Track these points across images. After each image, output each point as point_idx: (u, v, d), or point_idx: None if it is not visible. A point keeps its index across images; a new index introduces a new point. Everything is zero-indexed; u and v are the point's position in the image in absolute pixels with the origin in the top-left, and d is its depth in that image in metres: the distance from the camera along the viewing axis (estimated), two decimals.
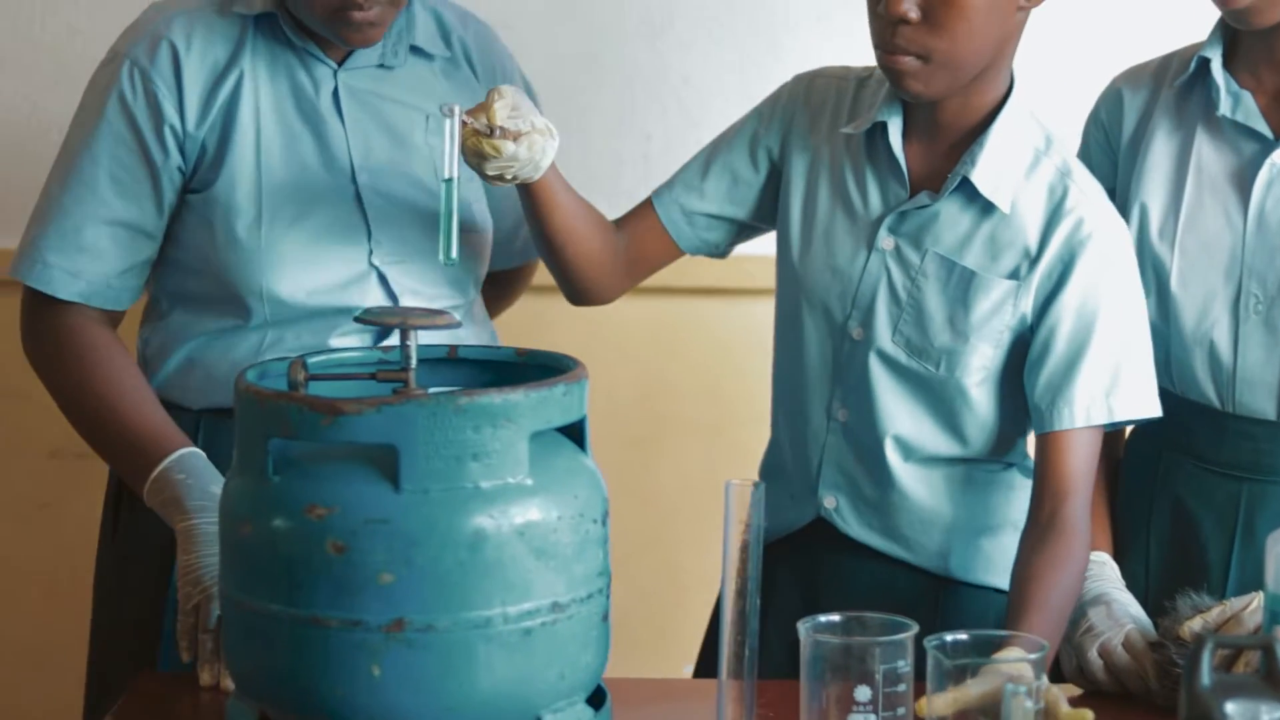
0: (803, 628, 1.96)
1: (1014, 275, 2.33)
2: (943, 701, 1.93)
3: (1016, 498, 2.42)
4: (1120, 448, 2.54)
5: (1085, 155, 2.54)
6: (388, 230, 2.43)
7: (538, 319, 2.87)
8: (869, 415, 2.38)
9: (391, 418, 1.87)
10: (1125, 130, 2.50)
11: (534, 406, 1.92)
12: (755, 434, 2.53)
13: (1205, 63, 2.42)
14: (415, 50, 2.51)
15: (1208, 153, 2.42)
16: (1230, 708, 1.79)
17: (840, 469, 2.41)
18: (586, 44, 3.22)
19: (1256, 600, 2.17)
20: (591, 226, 2.40)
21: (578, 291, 2.47)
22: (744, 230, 2.50)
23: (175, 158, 2.42)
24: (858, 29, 2.34)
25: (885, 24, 2.25)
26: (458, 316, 2.49)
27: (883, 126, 2.37)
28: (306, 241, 2.41)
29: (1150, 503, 2.48)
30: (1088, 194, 2.35)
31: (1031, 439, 2.38)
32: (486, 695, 1.90)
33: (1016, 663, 1.96)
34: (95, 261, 2.42)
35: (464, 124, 2.19)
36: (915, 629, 1.95)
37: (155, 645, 2.40)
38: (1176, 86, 2.46)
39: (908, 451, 2.38)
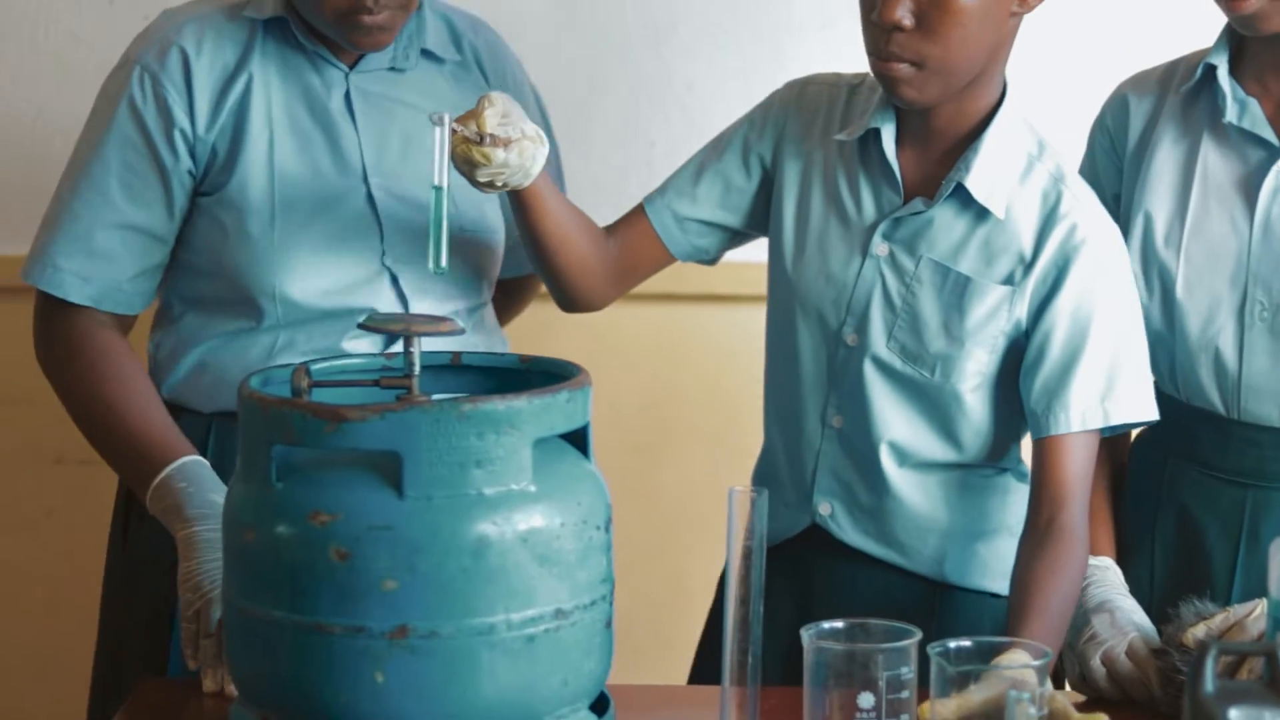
0: (806, 635, 1.96)
1: (1009, 281, 2.34)
2: (945, 708, 1.93)
3: (1012, 503, 2.42)
4: (1125, 453, 2.54)
5: (1090, 161, 2.54)
6: (400, 232, 2.43)
7: (541, 326, 2.87)
8: (864, 421, 2.38)
9: (395, 424, 1.87)
10: (1131, 136, 2.50)
11: (537, 413, 1.92)
12: (758, 441, 2.53)
13: (1211, 69, 2.42)
14: (426, 54, 2.52)
15: (1214, 160, 2.42)
16: (1234, 714, 1.78)
17: (835, 475, 2.41)
18: (590, 50, 3.22)
19: (1260, 607, 2.17)
20: (582, 233, 2.41)
21: (569, 298, 2.47)
22: (735, 237, 2.50)
23: (185, 161, 2.43)
24: (861, 36, 2.34)
25: (879, 31, 2.26)
26: (470, 319, 2.51)
27: (876, 133, 2.37)
28: (319, 242, 2.41)
29: (1155, 509, 2.48)
30: (1081, 199, 2.35)
31: (1027, 444, 2.38)
32: (490, 702, 1.90)
33: (1020, 669, 1.96)
34: (106, 265, 2.43)
35: (454, 131, 2.19)
36: (918, 635, 1.95)
37: (164, 652, 2.40)
38: (1182, 93, 2.46)
39: (903, 457, 2.39)
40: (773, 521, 2.39)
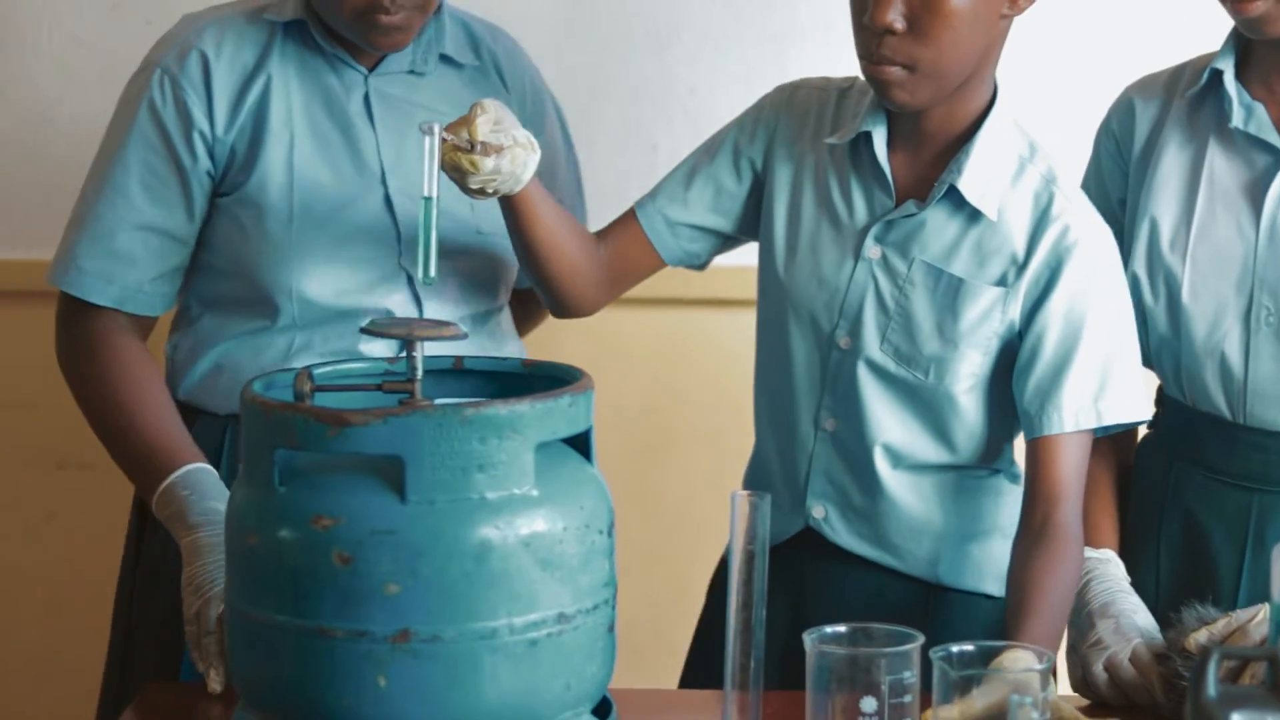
0: (808, 639, 1.96)
1: (1001, 282, 2.34)
2: (949, 715, 1.93)
3: (1005, 504, 2.43)
4: (1131, 451, 2.54)
5: (1096, 165, 2.54)
6: (411, 231, 2.44)
7: (543, 330, 2.87)
8: (858, 424, 2.38)
9: (397, 429, 1.87)
10: (1137, 141, 2.49)
11: (540, 417, 1.92)
12: None
13: (1218, 74, 2.41)
14: (445, 59, 2.53)
15: (1220, 165, 2.42)
16: (1236, 719, 1.79)
17: (829, 478, 2.42)
18: (593, 55, 3.22)
19: (1262, 612, 2.17)
20: (573, 238, 2.41)
21: (560, 303, 2.47)
22: (726, 241, 2.51)
23: (204, 162, 2.44)
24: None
25: (870, 34, 2.26)
26: (486, 323, 2.53)
27: (867, 136, 2.37)
28: (335, 242, 2.42)
29: (1161, 514, 2.48)
30: (1073, 200, 2.36)
31: (1019, 445, 2.39)
32: (492, 706, 1.90)
33: (1022, 674, 1.96)
34: (128, 267, 2.44)
35: (444, 140, 2.19)
36: (921, 639, 1.95)
37: (176, 660, 2.40)
38: (1188, 97, 2.46)
39: (897, 460, 2.39)
40: None
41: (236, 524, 1.97)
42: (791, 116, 2.45)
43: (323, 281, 2.43)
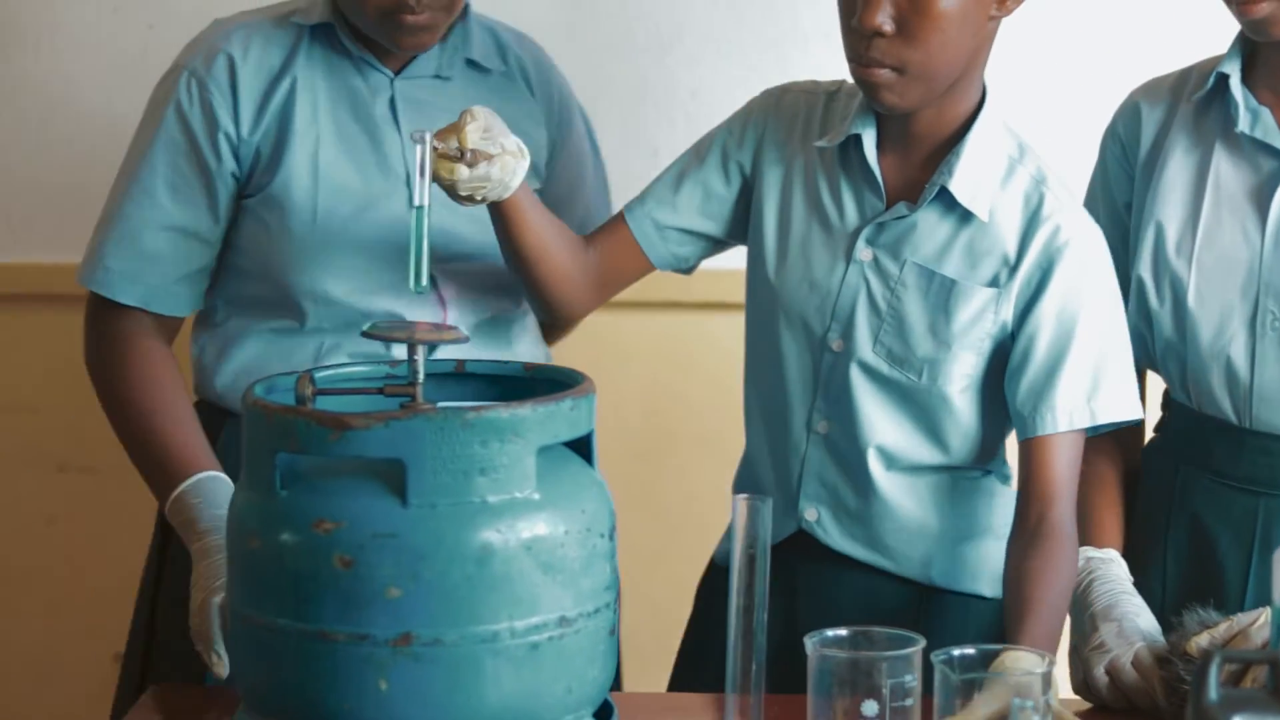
0: (810, 642, 1.96)
1: (994, 283, 2.34)
2: None
3: (997, 504, 2.44)
4: (1138, 451, 2.54)
5: (1102, 169, 2.54)
6: (441, 235, 2.44)
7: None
8: (851, 426, 2.39)
9: (399, 432, 1.87)
10: (1143, 145, 2.49)
11: (541, 421, 1.92)
12: None
13: (1224, 78, 2.41)
14: (471, 64, 2.55)
15: (1226, 169, 2.42)
16: None
17: (821, 481, 2.42)
18: (595, 58, 3.23)
19: (1264, 615, 2.17)
20: (562, 243, 2.41)
21: (548, 308, 2.47)
22: (715, 245, 2.50)
23: (229, 163, 2.46)
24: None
25: (859, 37, 2.26)
26: (511, 327, 2.54)
27: (856, 139, 2.37)
28: (360, 243, 2.43)
29: (1168, 518, 2.47)
30: (1062, 201, 2.36)
31: (1010, 445, 2.39)
32: (494, 709, 1.90)
33: (1024, 677, 1.96)
34: (153, 266, 2.46)
35: (434, 148, 2.19)
36: (922, 643, 1.95)
37: (201, 669, 2.41)
38: (1194, 101, 2.45)
39: (890, 461, 2.39)
40: None
41: (238, 528, 1.97)
42: (780, 120, 2.45)
43: (346, 282, 2.45)
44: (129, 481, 3.31)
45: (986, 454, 2.42)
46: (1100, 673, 2.22)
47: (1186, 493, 2.46)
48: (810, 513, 2.42)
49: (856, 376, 2.37)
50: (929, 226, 2.36)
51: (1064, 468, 2.31)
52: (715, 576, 2.57)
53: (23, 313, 3.37)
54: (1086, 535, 2.43)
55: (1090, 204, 2.54)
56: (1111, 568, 2.36)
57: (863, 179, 2.38)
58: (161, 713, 2.22)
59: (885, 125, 2.37)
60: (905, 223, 2.36)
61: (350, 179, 2.46)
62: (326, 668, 1.89)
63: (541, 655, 1.91)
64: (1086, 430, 2.34)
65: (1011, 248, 2.34)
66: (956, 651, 1.96)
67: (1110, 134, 2.54)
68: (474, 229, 2.45)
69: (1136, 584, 2.36)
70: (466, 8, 2.53)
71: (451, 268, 2.46)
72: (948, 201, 2.34)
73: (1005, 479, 2.46)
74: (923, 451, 2.39)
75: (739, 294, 2.85)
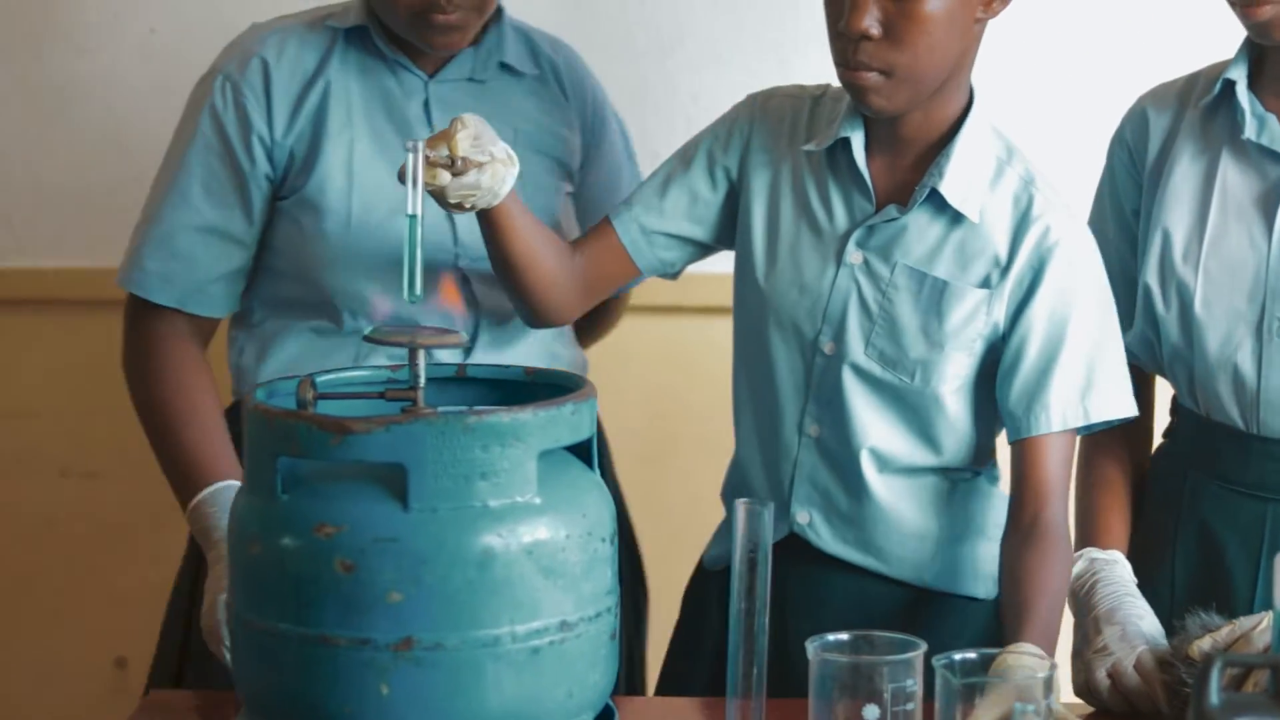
0: (811, 647, 1.96)
1: (985, 284, 2.35)
2: None
3: (988, 505, 2.44)
4: (1145, 452, 2.54)
5: (1110, 175, 2.53)
6: (474, 236, 2.45)
7: None
8: (844, 429, 2.39)
9: (400, 437, 1.87)
10: (1150, 151, 2.49)
11: (542, 425, 1.92)
12: None
13: (1230, 84, 2.41)
14: (504, 67, 2.57)
15: (1232, 176, 2.42)
16: None
17: (813, 484, 2.42)
18: (596, 63, 3.21)
19: (1266, 619, 2.17)
20: (549, 250, 2.41)
21: (534, 313, 2.46)
22: (700, 250, 2.50)
23: (263, 166, 2.49)
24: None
25: (846, 41, 2.27)
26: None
27: (845, 142, 2.38)
28: (395, 244, 2.43)
29: (1176, 524, 2.47)
30: (1052, 201, 2.36)
31: (1002, 445, 2.40)
32: (495, 714, 1.90)
33: (1026, 681, 1.96)
34: (188, 267, 2.49)
35: (426, 158, 2.20)
36: (924, 647, 1.95)
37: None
38: (1201, 107, 2.45)
39: (883, 463, 2.39)
40: None
41: (239, 532, 1.97)
42: (766, 124, 2.46)
43: (381, 283, 2.46)
44: (130, 486, 3.33)
45: (978, 455, 2.42)
46: (1102, 676, 2.22)
47: (1195, 498, 2.46)
48: (802, 516, 2.43)
49: (849, 379, 2.38)
50: (919, 229, 2.36)
51: (1057, 467, 2.32)
52: (703, 580, 2.58)
53: (25, 318, 3.38)
54: (1091, 537, 2.43)
55: (1098, 210, 2.55)
56: (1115, 569, 2.36)
57: (851, 182, 2.39)
58: (161, 717, 2.22)
59: (873, 128, 2.38)
60: (896, 225, 2.37)
61: (385, 181, 2.46)
62: (327, 672, 1.89)
63: (542, 660, 1.91)
64: (1080, 429, 2.34)
65: (1002, 249, 2.35)
66: (958, 656, 1.96)
67: (1118, 140, 2.54)
68: None
69: (1145, 589, 2.36)
70: (500, 11, 2.56)
71: (483, 268, 2.47)
72: (938, 203, 2.35)
73: (994, 480, 2.47)
74: (915, 453, 2.39)
75: None
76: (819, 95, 2.46)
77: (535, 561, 1.90)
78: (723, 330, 2.54)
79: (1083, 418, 2.33)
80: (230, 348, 2.60)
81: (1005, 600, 2.26)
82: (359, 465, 1.91)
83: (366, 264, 2.46)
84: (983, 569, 2.41)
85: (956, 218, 2.35)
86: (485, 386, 2.15)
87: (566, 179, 2.63)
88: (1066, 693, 2.29)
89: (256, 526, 1.94)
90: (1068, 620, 2.34)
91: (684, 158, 2.48)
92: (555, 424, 1.93)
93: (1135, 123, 2.52)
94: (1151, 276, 2.44)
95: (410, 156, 2.13)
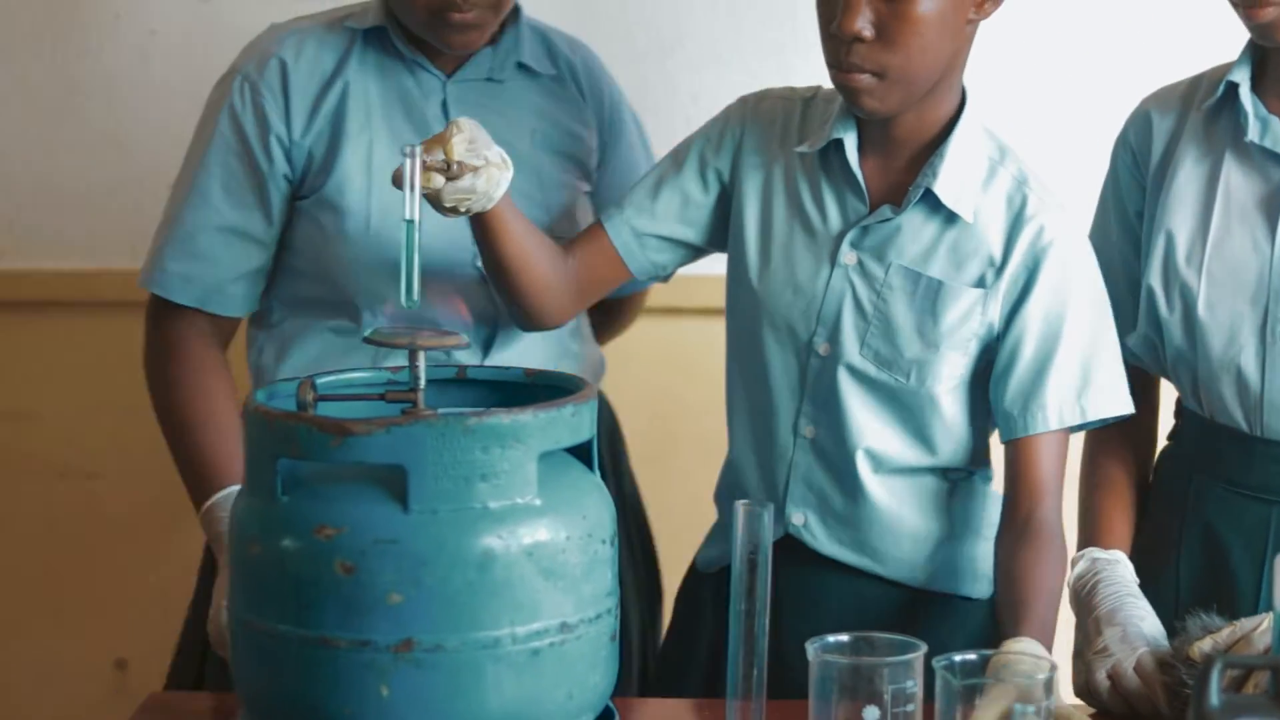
0: (811, 648, 1.96)
1: (980, 284, 2.35)
2: None
3: (981, 506, 2.45)
4: (1150, 455, 2.55)
5: (1114, 177, 2.53)
6: None
7: None
8: (839, 430, 2.39)
9: (400, 438, 1.87)
10: (1154, 153, 2.49)
11: (542, 427, 1.92)
12: None
13: (1233, 86, 2.41)
14: (522, 67, 2.58)
15: (1236, 178, 2.41)
16: None
17: (809, 485, 2.42)
18: None
19: (1267, 621, 2.17)
20: (542, 253, 2.41)
21: (526, 316, 2.46)
22: (692, 252, 2.51)
23: (281, 166, 2.50)
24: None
25: (839, 43, 2.27)
26: (565, 326, 2.53)
27: (837, 143, 2.38)
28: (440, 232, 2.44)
29: (1181, 526, 2.47)
30: (1045, 200, 2.37)
31: (993, 445, 2.41)
32: (495, 716, 1.90)
33: (1027, 676, 1.96)
34: (208, 267, 2.51)
35: (423, 163, 2.20)
36: (924, 649, 1.95)
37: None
38: (1205, 110, 2.45)
39: (878, 464, 2.40)
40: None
41: (239, 534, 1.97)
42: (758, 126, 2.46)
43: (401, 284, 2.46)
44: (130, 488, 3.33)
45: (971, 453, 2.43)
46: (1102, 677, 2.22)
47: (1199, 501, 2.46)
48: (797, 517, 2.43)
49: (844, 380, 2.38)
50: (914, 229, 2.36)
51: (1052, 465, 2.34)
52: (696, 583, 2.58)
53: (25, 319, 3.38)
54: (1094, 537, 2.43)
55: (1102, 213, 2.55)
56: (1117, 569, 2.36)
57: (845, 183, 2.39)
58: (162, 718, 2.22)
59: (866, 129, 2.38)
60: (890, 225, 2.37)
61: None
62: (328, 674, 1.89)
63: (543, 661, 1.91)
64: (1074, 427, 2.36)
65: (997, 248, 2.35)
66: (958, 657, 1.96)
67: (1121, 143, 2.54)
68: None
69: (1150, 592, 2.36)
70: (518, 11, 2.57)
71: None
72: (932, 204, 2.35)
73: (987, 479, 2.47)
74: (910, 453, 2.40)
75: None
76: (810, 97, 2.47)
77: (535, 563, 1.90)
78: (722, 332, 2.54)
79: (1079, 416, 2.34)
80: (250, 347, 2.62)
81: (1001, 598, 2.27)
82: (359, 467, 1.91)
83: (387, 264, 2.46)
84: (978, 569, 2.42)
85: (951, 218, 2.36)
86: (485, 388, 2.15)
87: (584, 178, 2.63)
88: (1067, 693, 2.29)
89: (256, 528, 1.94)
90: (1069, 621, 2.34)
91: (675, 160, 2.48)
92: (555, 425, 1.93)
93: (1139, 125, 2.52)
94: (1154, 279, 2.44)
95: (407, 162, 2.13)
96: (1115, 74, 3.16)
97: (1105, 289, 2.39)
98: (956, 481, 2.44)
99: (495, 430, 1.89)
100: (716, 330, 3.24)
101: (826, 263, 2.39)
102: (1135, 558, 2.42)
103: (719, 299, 3.00)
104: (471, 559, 1.88)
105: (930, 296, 2.35)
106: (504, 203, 2.30)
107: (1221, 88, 2.42)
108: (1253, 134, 2.39)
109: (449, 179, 2.21)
